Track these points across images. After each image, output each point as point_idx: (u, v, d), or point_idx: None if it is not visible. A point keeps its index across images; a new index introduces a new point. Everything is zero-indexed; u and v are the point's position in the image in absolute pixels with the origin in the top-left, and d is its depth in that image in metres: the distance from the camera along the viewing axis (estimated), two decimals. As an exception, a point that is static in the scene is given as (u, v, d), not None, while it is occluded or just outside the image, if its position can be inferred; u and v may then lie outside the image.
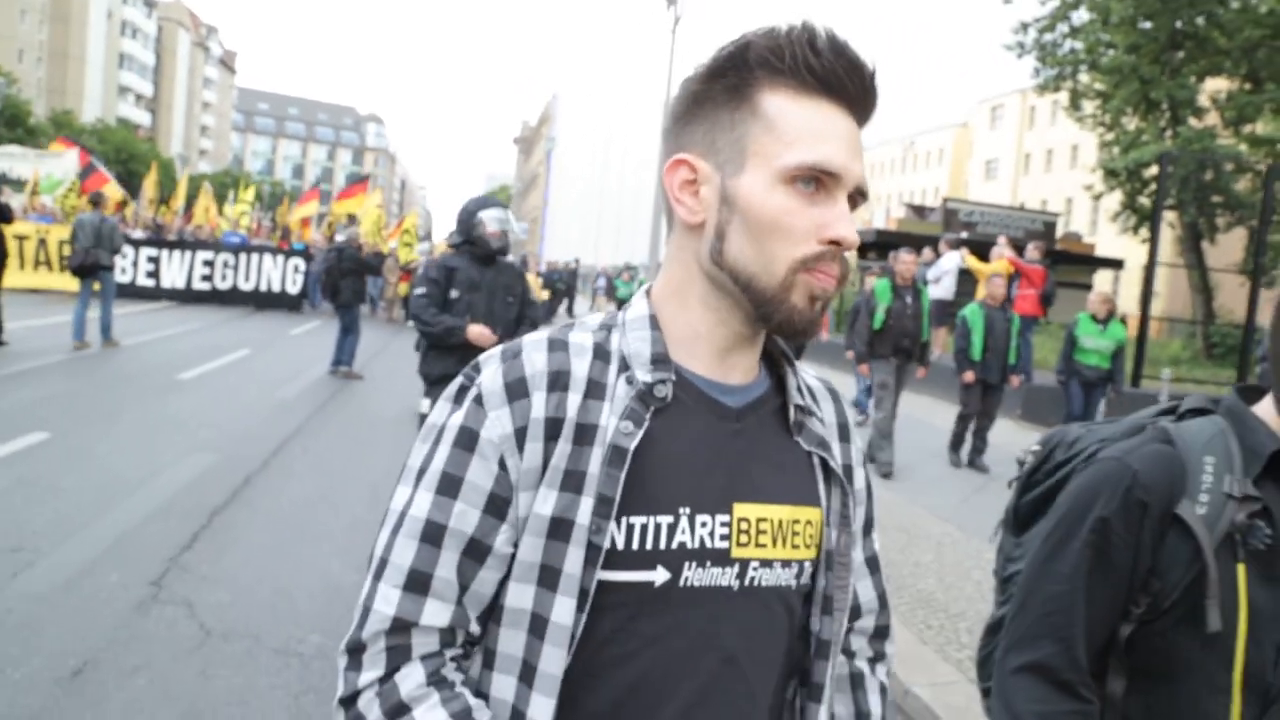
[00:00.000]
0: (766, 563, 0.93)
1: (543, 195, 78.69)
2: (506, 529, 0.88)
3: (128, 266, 17.83)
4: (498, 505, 0.88)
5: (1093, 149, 21.91)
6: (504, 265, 4.91)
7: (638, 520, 0.88)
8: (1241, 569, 1.13)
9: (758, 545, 0.93)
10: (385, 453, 7.19)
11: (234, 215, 26.63)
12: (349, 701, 0.87)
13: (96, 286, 11.25)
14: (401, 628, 0.87)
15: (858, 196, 0.90)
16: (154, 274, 18.53)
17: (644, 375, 0.91)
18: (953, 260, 12.78)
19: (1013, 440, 9.27)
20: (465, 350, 4.59)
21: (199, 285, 18.89)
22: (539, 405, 0.88)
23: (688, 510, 0.89)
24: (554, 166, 76.24)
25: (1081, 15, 18.40)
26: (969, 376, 8.02)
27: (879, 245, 18.82)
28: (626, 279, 27.18)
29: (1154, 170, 16.54)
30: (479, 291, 4.73)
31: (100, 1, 69.25)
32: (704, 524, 0.90)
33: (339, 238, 12.87)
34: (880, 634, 1.14)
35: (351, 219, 18.96)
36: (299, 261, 19.54)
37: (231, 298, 19.05)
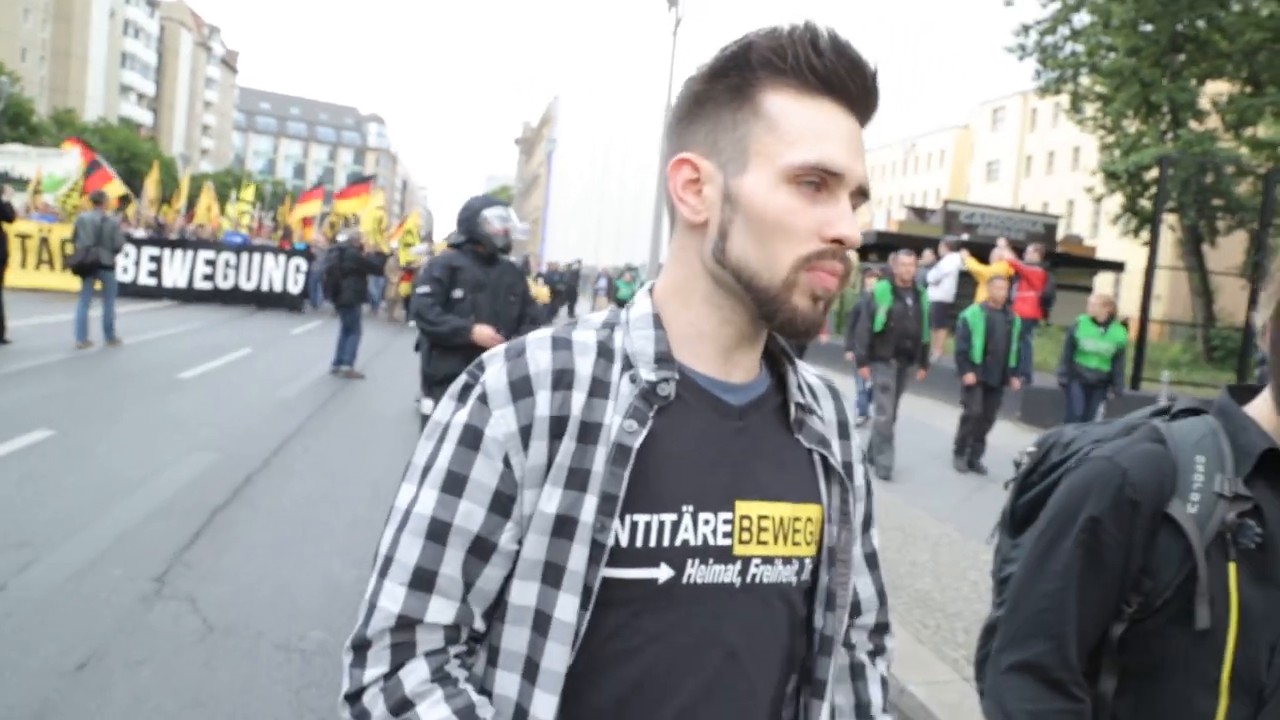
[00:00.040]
0: (768, 560, 0.94)
1: (544, 196, 78.57)
2: (511, 527, 0.89)
3: (130, 266, 17.85)
4: (502, 503, 0.88)
5: (1094, 151, 21.87)
6: (506, 264, 4.88)
7: (641, 518, 0.88)
8: (1233, 568, 1.13)
9: (759, 542, 0.93)
10: (386, 452, 7.20)
11: (235, 215, 26.66)
12: (354, 697, 0.88)
13: (98, 286, 11.26)
14: (406, 625, 0.87)
15: (859, 196, 0.91)
16: (156, 273, 18.57)
17: (648, 374, 0.91)
18: (953, 262, 12.79)
19: (1012, 442, 9.26)
20: (470, 350, 4.49)
21: (200, 284, 18.91)
22: (543, 403, 0.89)
23: (691, 508, 0.90)
24: (555, 167, 76.16)
25: (1082, 18, 18.38)
26: (970, 378, 8.02)
27: (880, 247, 18.78)
28: (628, 280, 27.20)
29: (1154, 173, 16.51)
30: (483, 291, 4.67)
31: (103, 1, 69.32)
32: (707, 522, 0.90)
33: (341, 237, 12.88)
34: (880, 629, 1.15)
35: (350, 220, 18.97)
36: (300, 261, 19.55)
37: (233, 297, 19.06)
